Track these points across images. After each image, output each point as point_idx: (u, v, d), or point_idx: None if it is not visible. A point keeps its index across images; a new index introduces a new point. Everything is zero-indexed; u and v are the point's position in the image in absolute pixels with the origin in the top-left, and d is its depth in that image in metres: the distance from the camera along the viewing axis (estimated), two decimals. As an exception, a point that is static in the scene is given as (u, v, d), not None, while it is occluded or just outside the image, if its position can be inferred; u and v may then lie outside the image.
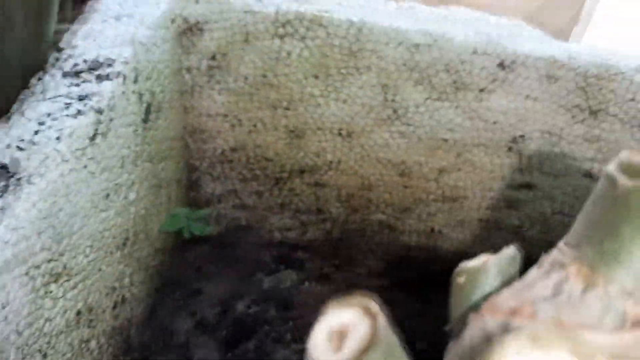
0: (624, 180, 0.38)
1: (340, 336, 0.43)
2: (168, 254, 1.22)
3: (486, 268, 0.45)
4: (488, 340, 0.37)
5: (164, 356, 1.11)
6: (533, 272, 0.41)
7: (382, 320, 0.42)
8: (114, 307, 0.99)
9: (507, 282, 0.45)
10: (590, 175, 1.10)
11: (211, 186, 1.26)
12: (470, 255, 1.24)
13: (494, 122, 1.06)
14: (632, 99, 0.99)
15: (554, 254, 0.40)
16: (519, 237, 1.24)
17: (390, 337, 0.42)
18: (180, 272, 1.23)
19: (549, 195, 1.18)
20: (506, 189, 1.17)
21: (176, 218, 1.16)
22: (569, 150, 1.08)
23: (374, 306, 0.43)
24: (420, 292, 1.25)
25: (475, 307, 0.44)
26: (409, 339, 1.14)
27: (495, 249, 1.25)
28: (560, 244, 0.41)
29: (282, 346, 1.10)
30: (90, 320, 0.92)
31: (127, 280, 1.02)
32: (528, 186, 1.17)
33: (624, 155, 0.40)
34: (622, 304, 0.37)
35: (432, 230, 1.25)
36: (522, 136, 1.07)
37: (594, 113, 1.02)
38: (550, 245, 1.25)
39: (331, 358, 0.40)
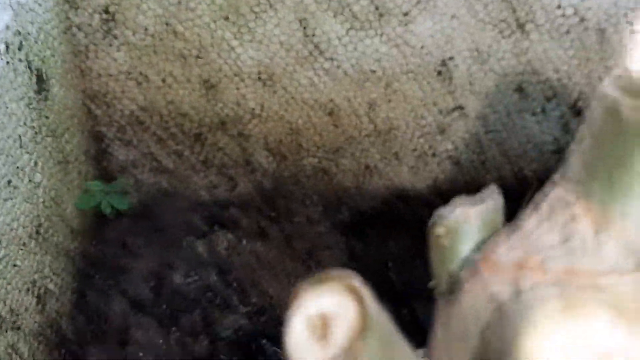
0: (629, 103, 0.34)
1: (323, 325, 0.36)
2: (88, 234, 1.12)
3: (468, 219, 0.40)
4: (499, 309, 0.32)
5: (102, 343, 1.03)
6: (529, 216, 0.36)
7: (370, 299, 0.36)
8: (38, 302, 0.90)
9: (492, 230, 0.40)
10: (521, 90, 1.08)
11: (124, 153, 1.16)
12: (408, 190, 1.20)
13: (421, 47, 1.01)
14: (559, 6, 0.96)
15: (553, 193, 0.35)
16: (454, 162, 1.22)
17: (382, 319, 0.37)
18: (104, 251, 1.13)
19: (481, 115, 1.15)
20: (438, 115, 1.13)
21: (91, 194, 1.06)
22: (498, 67, 1.05)
23: (358, 284, 0.36)
24: (361, 233, 1.21)
25: (469, 263, 0.39)
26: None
27: (431, 178, 1.22)
28: (557, 179, 0.36)
29: (230, 311, 1.04)
30: (14, 322, 0.83)
31: (47, 270, 0.92)
32: (459, 109, 1.13)
33: (621, 74, 0.35)
34: None
35: (367, 167, 1.21)
36: (451, 58, 1.03)
37: (521, 26, 0.99)
38: (485, 167, 1.23)
39: (318, 355, 0.34)
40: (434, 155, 1.21)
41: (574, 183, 0.35)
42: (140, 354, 1.00)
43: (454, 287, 0.39)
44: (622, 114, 0.33)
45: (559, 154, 1.22)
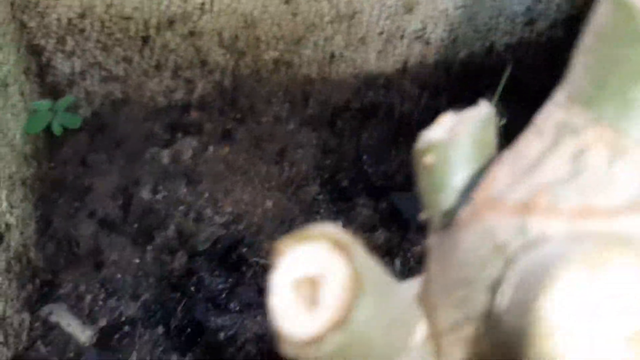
0: None
1: (311, 288, 0.33)
2: (43, 158, 1.06)
3: (457, 141, 0.36)
4: (510, 263, 0.29)
5: (75, 267, 1.00)
6: (531, 142, 0.32)
7: (361, 255, 0.32)
8: (1, 241, 0.85)
9: (486, 154, 0.36)
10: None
11: (67, 65, 1.07)
12: (377, 77, 1.14)
13: None
14: None
15: (556, 115, 0.31)
16: (424, 42, 1.16)
17: (376, 274, 0.33)
18: (64, 172, 1.07)
19: (450, -10, 1.08)
20: (404, -7, 1.06)
21: (38, 115, 0.98)
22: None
23: (346, 239, 0.32)
24: (332, 127, 1.17)
25: (465, 199, 0.35)
26: (330, 176, 1.07)
27: (400, 61, 1.16)
28: (560, 99, 0.32)
29: (206, 223, 1.01)
30: (-23, 266, 0.79)
31: (4, 205, 0.87)
32: (426, -15, 1.06)
33: None
34: None
35: (332, 56, 1.14)
36: None
37: None
38: (455, 45, 1.17)
39: (308, 324, 0.30)
40: (402, 37, 1.14)
41: (581, 104, 0.30)
42: (118, 275, 0.98)
43: (450, 221, 0.35)
44: (637, 12, 0.28)
45: (532, 25, 1.17)
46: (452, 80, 1.21)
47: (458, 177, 0.40)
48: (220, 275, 0.93)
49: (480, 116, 0.41)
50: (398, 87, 1.18)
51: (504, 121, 0.89)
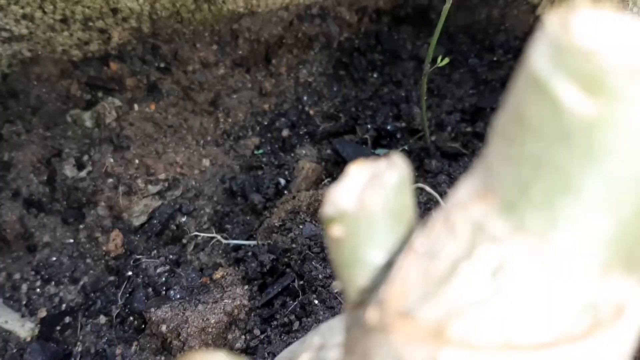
0: (578, 104, 0.23)
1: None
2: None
3: (369, 212, 0.30)
4: None
5: (8, 253, 0.94)
6: (444, 240, 0.27)
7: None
8: None
9: (403, 223, 0.31)
10: None
11: (-41, 30, 0.95)
12: (309, 5, 1.04)
13: None
14: None
15: (472, 212, 0.26)
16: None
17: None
18: (-24, 152, 0.98)
19: None
20: None
21: None
22: None
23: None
24: (267, 67, 1.08)
25: (375, 297, 0.31)
26: (270, 123, 0.99)
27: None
28: (475, 186, 0.26)
29: (139, 195, 0.94)
30: None
31: None
32: None
33: (571, 48, 0.23)
34: (598, 286, 0.24)
35: (258, -12, 1.03)
36: None
37: None
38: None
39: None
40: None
41: (499, 203, 0.25)
42: (53, 259, 0.93)
43: (364, 300, 0.30)
44: (566, 112, 0.22)
45: None
46: (392, 2, 1.11)
47: (372, 252, 0.35)
48: (159, 255, 0.88)
49: (394, 179, 0.34)
50: (334, 15, 1.09)
51: (447, 60, 0.82)
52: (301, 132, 1.02)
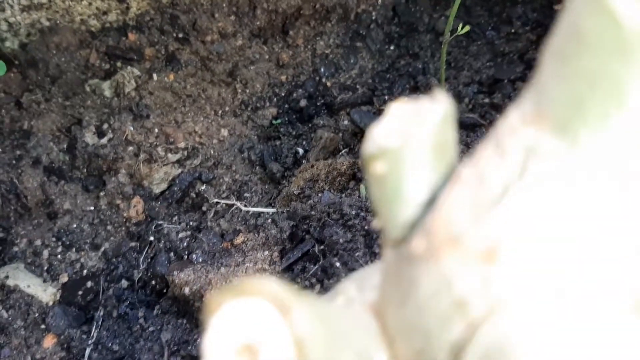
0: (634, 14, 0.23)
1: (248, 354, 0.28)
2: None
3: (412, 147, 0.30)
4: (472, 328, 0.25)
5: (29, 220, 0.95)
6: (495, 163, 0.27)
7: (304, 312, 0.28)
8: None
9: (446, 159, 0.31)
10: None
11: (-20, -2, 0.95)
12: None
13: None
14: None
15: (524, 134, 0.26)
16: None
17: (322, 328, 0.29)
18: (-3, 119, 0.99)
19: None
20: None
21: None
22: None
23: (284, 295, 0.28)
24: (284, 38, 1.08)
25: (421, 223, 0.31)
26: (287, 94, 0.99)
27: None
28: (528, 109, 0.27)
29: (159, 163, 0.95)
30: None
31: None
32: None
33: None
34: None
35: (276, -41, 1.03)
36: None
37: None
38: None
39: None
40: None
41: (552, 124, 0.25)
42: (74, 226, 0.93)
43: (406, 237, 0.31)
44: (623, 25, 0.22)
45: None
46: (411, -28, 1.11)
47: (414, 187, 0.35)
48: (180, 221, 0.88)
49: (438, 114, 0.35)
50: (352, -14, 1.08)
51: (467, 28, 0.82)
52: (318, 103, 1.02)
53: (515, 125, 0.28)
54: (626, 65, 0.24)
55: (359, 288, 0.46)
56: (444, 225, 0.31)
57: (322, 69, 1.05)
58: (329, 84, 1.03)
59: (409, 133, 0.34)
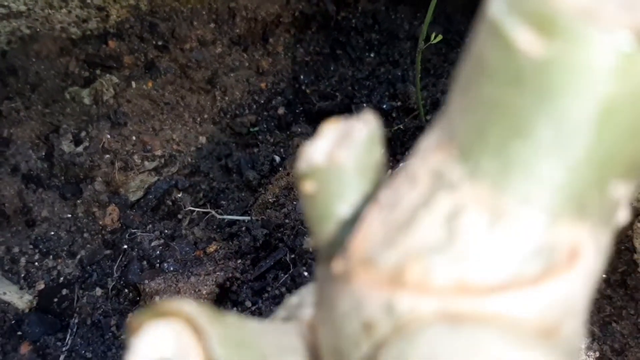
0: (529, 44, 0.24)
1: None
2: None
3: (340, 168, 0.31)
4: (379, 347, 0.26)
5: (7, 227, 0.95)
6: (406, 189, 0.28)
7: (219, 332, 0.28)
8: None
9: (373, 179, 0.32)
10: None
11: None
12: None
13: None
14: None
15: (431, 160, 0.26)
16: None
17: (239, 347, 0.30)
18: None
19: None
20: None
21: None
22: None
23: (201, 315, 0.28)
24: (264, 46, 1.08)
25: (341, 246, 0.31)
26: (266, 101, 1.00)
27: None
28: (436, 138, 0.27)
29: (135, 171, 0.95)
30: None
31: None
32: None
33: None
34: (549, 232, 0.25)
35: (255, -33, 1.03)
36: None
37: None
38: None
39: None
40: (330, -63, 1.03)
41: (457, 152, 0.25)
42: (52, 232, 0.94)
43: (335, 254, 0.31)
44: (520, 54, 0.23)
45: None
46: (391, -21, 1.11)
47: (342, 206, 0.36)
48: (154, 229, 0.89)
49: (364, 136, 0.35)
50: (332, -7, 1.09)
51: (440, 37, 0.82)
52: (297, 111, 1.02)
53: (425, 152, 0.29)
54: (523, 93, 0.24)
55: (299, 304, 0.47)
56: (358, 248, 0.31)
57: (301, 76, 1.05)
58: (308, 91, 1.04)
59: (336, 154, 0.35)
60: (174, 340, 0.28)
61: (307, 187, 0.36)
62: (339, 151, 0.35)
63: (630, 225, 0.82)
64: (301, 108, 1.03)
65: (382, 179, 0.35)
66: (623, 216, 0.29)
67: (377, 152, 0.36)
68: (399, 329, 0.27)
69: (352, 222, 0.36)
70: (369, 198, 0.36)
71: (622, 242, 0.85)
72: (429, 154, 0.28)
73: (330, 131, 0.38)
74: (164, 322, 0.29)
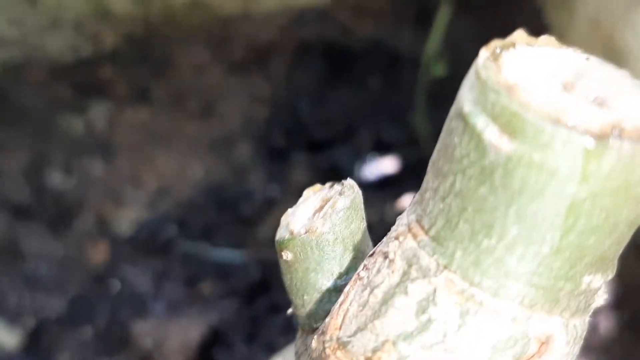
0: (498, 143, 0.25)
1: None
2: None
3: (317, 239, 0.32)
4: None
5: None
6: (382, 270, 0.29)
7: None
8: None
9: (354, 246, 0.33)
10: None
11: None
12: (306, 9, 1.06)
13: None
14: None
15: (407, 244, 0.27)
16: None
17: None
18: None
19: None
20: None
21: None
22: None
23: None
24: (261, 72, 1.10)
25: (318, 325, 0.32)
26: (264, 131, 1.01)
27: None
28: (413, 219, 0.28)
29: (127, 205, 0.97)
30: None
31: None
32: None
33: (491, 88, 0.25)
34: (521, 323, 0.26)
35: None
36: None
37: None
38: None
39: None
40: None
41: (431, 238, 0.26)
42: (40, 267, 0.95)
43: (315, 325, 0.33)
44: (490, 151, 0.24)
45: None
46: (395, 5, 1.13)
47: (320, 278, 0.37)
48: (144, 266, 0.90)
49: (343, 205, 0.36)
50: (333, 19, 1.10)
51: (443, 69, 0.83)
52: (296, 140, 1.03)
53: (402, 232, 0.30)
54: (492, 189, 0.26)
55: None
56: (335, 328, 0.32)
57: (300, 104, 1.06)
58: (307, 119, 1.05)
59: (314, 223, 0.36)
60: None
61: (286, 256, 0.38)
62: (318, 220, 0.37)
63: None
64: (300, 138, 1.04)
65: (365, 250, 0.37)
66: (601, 301, 0.30)
67: (358, 222, 0.37)
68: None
69: (333, 295, 0.38)
70: (351, 270, 0.37)
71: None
72: (405, 235, 0.29)
73: (311, 198, 0.40)
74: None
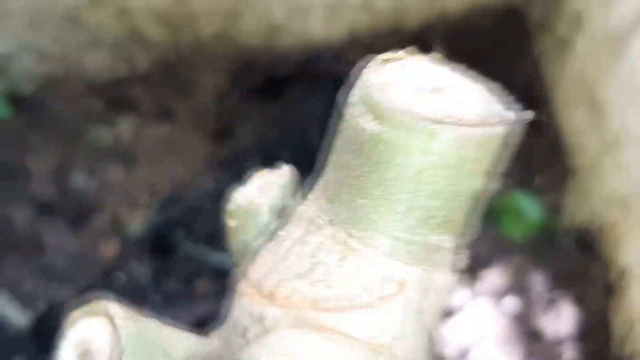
0: (369, 126, 0.33)
1: (88, 355, 0.40)
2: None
3: (256, 209, 0.41)
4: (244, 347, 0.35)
5: (15, 250, 1.07)
6: (291, 230, 0.37)
7: (124, 322, 0.39)
8: None
9: (284, 221, 0.42)
10: None
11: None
12: (322, 47, 1.16)
13: None
14: None
15: (310, 209, 0.36)
16: (371, 9, 1.17)
17: (143, 339, 0.40)
18: (2, 154, 1.13)
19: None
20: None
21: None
22: None
23: (116, 315, 0.39)
24: (274, 97, 1.20)
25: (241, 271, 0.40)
26: (273, 151, 1.11)
27: (346, 30, 1.17)
28: (315, 193, 0.36)
29: (141, 208, 1.07)
30: None
31: None
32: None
33: (369, 86, 0.34)
34: (385, 269, 0.34)
35: (274, 27, 1.16)
36: None
37: None
38: (405, 14, 1.17)
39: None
40: (347, 5, 1.15)
41: (325, 200, 0.35)
42: (57, 260, 1.05)
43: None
44: (363, 132, 0.33)
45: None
46: (404, 45, 1.22)
47: (256, 242, 0.45)
48: (149, 265, 0.99)
49: (280, 184, 0.45)
50: (345, 56, 1.20)
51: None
52: (302, 162, 1.12)
53: (310, 199, 0.39)
54: (362, 162, 0.34)
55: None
56: (253, 273, 0.41)
57: (310, 130, 1.16)
58: (315, 143, 1.14)
59: (254, 196, 0.45)
60: (98, 333, 0.38)
61: (231, 223, 0.46)
62: (257, 194, 0.46)
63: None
64: (306, 160, 1.13)
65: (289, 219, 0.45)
66: (461, 263, 0.39)
67: (291, 197, 0.46)
68: (263, 333, 0.36)
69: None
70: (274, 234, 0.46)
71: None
72: (311, 203, 0.38)
73: (257, 179, 0.49)
74: (94, 319, 0.39)
